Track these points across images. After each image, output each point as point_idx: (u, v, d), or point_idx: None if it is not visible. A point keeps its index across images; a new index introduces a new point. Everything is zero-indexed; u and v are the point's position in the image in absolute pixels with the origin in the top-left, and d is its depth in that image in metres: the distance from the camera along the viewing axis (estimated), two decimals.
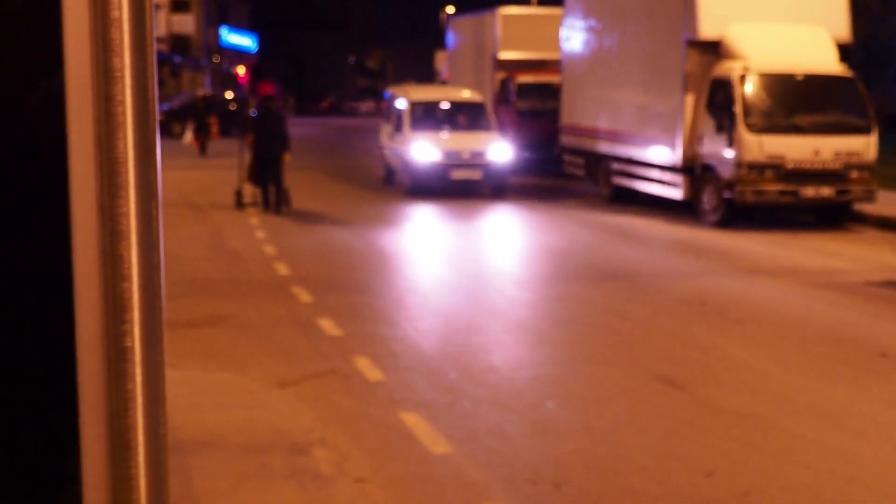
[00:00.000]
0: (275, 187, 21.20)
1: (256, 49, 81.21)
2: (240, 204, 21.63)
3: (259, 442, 7.71)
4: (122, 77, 1.53)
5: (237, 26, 77.26)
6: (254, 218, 20.35)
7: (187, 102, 47.30)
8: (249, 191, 21.92)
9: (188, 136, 32.04)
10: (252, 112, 22.65)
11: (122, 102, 1.54)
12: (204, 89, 49.16)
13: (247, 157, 21.72)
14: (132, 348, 1.59)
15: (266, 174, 21.15)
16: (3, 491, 1.71)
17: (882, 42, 49.87)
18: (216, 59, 68.86)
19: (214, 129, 45.03)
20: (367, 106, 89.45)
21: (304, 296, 12.93)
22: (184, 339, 10.50)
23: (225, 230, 18.66)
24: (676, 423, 8.33)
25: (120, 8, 1.52)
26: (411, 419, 8.34)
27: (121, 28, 1.53)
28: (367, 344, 10.68)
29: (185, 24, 64.61)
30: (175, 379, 8.26)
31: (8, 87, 1.64)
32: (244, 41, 78.49)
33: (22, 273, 1.65)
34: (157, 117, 1.61)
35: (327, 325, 11.38)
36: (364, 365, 9.88)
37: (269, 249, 16.44)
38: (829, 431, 8.16)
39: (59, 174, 1.56)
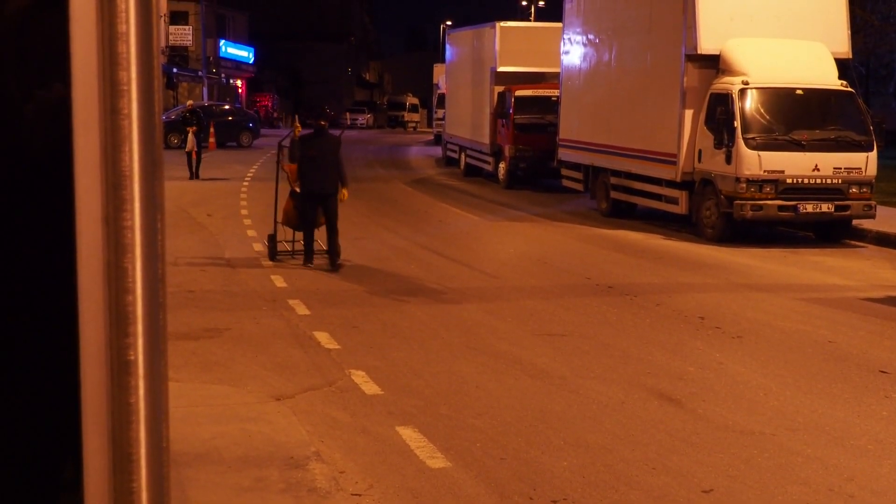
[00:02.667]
0: (328, 234, 16.07)
1: (254, 61, 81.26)
2: (274, 254, 16.73)
3: (255, 455, 7.69)
4: (129, 90, 1.53)
5: (235, 39, 77.34)
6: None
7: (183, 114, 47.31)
8: (280, 230, 17.11)
9: (190, 141, 31.51)
10: (301, 134, 16.94)
11: (128, 115, 1.53)
12: (191, 100, 47.75)
13: (292, 189, 16.57)
14: (135, 361, 1.58)
15: (314, 217, 16.11)
16: (7, 501, 1.70)
17: (881, 57, 50.03)
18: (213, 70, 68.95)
19: (211, 140, 45.20)
20: (364, 118, 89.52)
21: (301, 308, 12.92)
22: (180, 351, 10.48)
23: (221, 241, 18.64)
24: (674, 439, 8.32)
25: (127, 21, 1.52)
26: (408, 433, 8.32)
27: (127, 41, 1.52)
28: (363, 357, 10.66)
29: (184, 36, 64.71)
30: (171, 391, 8.20)
31: (14, 98, 1.63)
32: (242, 53, 78.56)
33: (26, 284, 1.64)
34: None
35: (324, 338, 11.37)
36: (361, 378, 9.86)
37: (266, 261, 16.43)
38: (827, 448, 8.15)
39: (64, 186, 1.55)
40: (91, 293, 1.56)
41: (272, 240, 16.90)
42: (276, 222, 17.00)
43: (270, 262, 16.50)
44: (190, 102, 40.28)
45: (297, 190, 16.23)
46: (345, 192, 16.18)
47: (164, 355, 1.63)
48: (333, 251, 15.98)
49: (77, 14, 1.52)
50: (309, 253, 16.33)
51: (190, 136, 31.94)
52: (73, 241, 1.55)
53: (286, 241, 16.99)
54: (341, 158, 16.21)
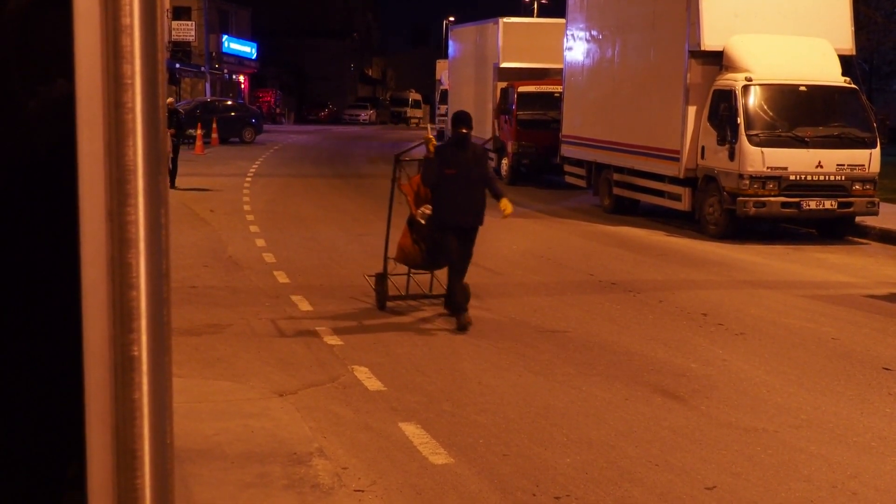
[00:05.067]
0: (451, 274, 12.08)
1: (257, 57, 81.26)
2: (384, 299, 12.81)
3: (258, 451, 7.68)
4: (133, 84, 1.52)
5: (238, 34, 77.32)
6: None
7: (186, 109, 47.35)
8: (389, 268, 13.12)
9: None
10: (437, 147, 12.31)
11: (132, 110, 1.52)
12: (171, 97, 44.19)
13: (412, 218, 12.69)
14: (139, 357, 1.57)
15: (449, 254, 11.99)
16: (9, 498, 1.69)
17: (885, 54, 49.97)
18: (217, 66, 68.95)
19: (214, 136, 45.21)
20: (367, 114, 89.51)
21: (304, 304, 12.91)
22: (182, 346, 10.47)
23: (224, 237, 18.63)
24: (677, 435, 8.31)
25: (131, 14, 1.50)
26: (411, 429, 8.32)
27: (131, 35, 1.51)
28: (366, 353, 10.65)
29: (186, 31, 64.71)
30: (173, 387, 8.22)
31: (17, 94, 1.62)
32: (245, 49, 78.55)
33: (30, 280, 1.64)
34: (167, 125, 1.59)
35: (326, 334, 11.36)
36: (364, 374, 9.86)
37: (269, 257, 16.42)
38: (831, 445, 8.14)
39: (67, 181, 1.54)
40: (95, 288, 1.55)
41: (381, 282, 12.85)
42: (385, 259, 12.98)
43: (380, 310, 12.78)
44: (170, 100, 37.54)
45: (422, 219, 12.36)
46: (507, 205, 12.40)
47: (169, 351, 1.62)
48: (461, 297, 11.97)
49: (81, 7, 1.51)
50: (450, 300, 12.22)
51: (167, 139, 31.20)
52: (77, 237, 1.54)
53: (396, 274, 12.98)
54: (491, 174, 12.44)
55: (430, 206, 12.25)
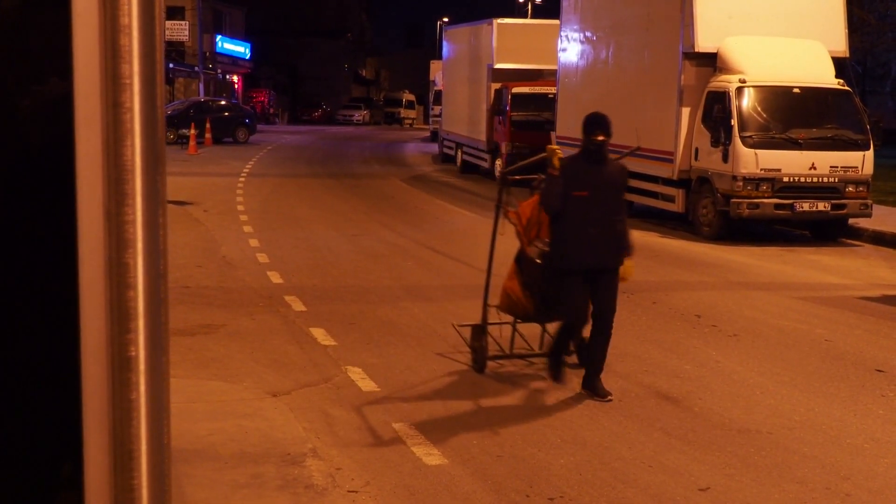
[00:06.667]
0: (595, 335, 9.37)
1: (250, 57, 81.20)
2: (483, 360, 10.07)
3: (251, 452, 7.68)
4: (131, 84, 1.52)
5: (232, 34, 77.26)
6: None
7: (180, 109, 47.31)
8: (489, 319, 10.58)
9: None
10: (562, 161, 9.49)
11: (130, 109, 1.52)
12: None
13: (522, 254, 10.12)
14: (136, 357, 1.57)
15: (583, 304, 9.30)
16: (6, 497, 1.69)
17: (878, 56, 50.03)
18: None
19: (208, 136, 45.18)
20: (360, 115, 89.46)
21: (297, 304, 12.90)
22: (176, 346, 10.45)
23: (217, 237, 18.61)
24: (670, 437, 8.31)
25: (129, 14, 1.50)
26: (404, 430, 8.31)
27: (130, 34, 1.51)
28: (360, 354, 10.65)
29: (180, 31, 64.62)
30: None
31: (15, 92, 1.62)
32: (239, 49, 78.48)
33: (27, 280, 1.63)
34: (165, 125, 1.59)
35: (320, 335, 11.35)
36: (357, 375, 9.85)
37: (262, 257, 16.40)
38: (824, 447, 8.14)
39: (64, 181, 1.54)
40: (92, 289, 1.55)
41: (479, 336, 10.13)
42: (485, 306, 10.26)
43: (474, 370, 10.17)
44: None
45: (537, 257, 9.76)
46: (629, 267, 9.35)
47: (166, 352, 1.62)
48: (598, 361, 9.36)
49: (79, 7, 1.50)
50: (557, 362, 9.63)
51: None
52: (75, 236, 1.53)
53: (495, 323, 10.47)
54: (624, 209, 9.54)
55: (546, 240, 9.65)
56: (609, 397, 9.14)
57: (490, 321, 10.23)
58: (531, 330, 10.53)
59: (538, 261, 9.68)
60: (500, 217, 10.25)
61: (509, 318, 10.37)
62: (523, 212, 10.01)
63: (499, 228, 10.29)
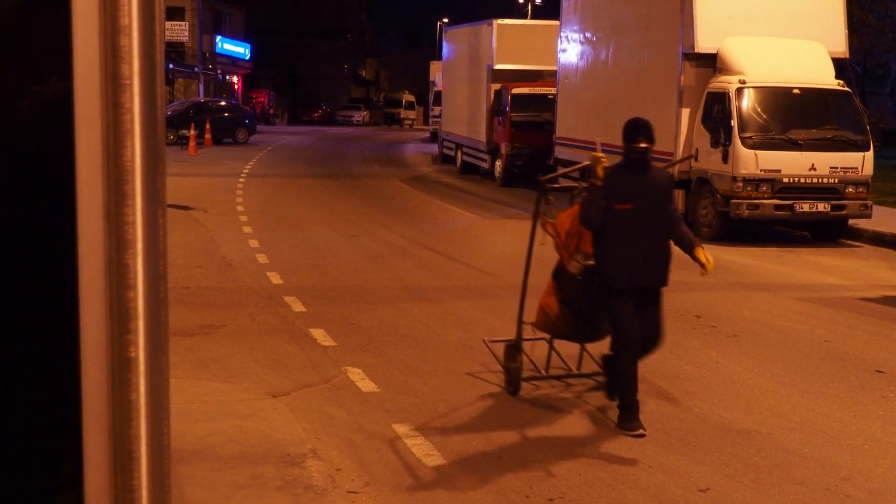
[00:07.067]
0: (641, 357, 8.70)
1: (250, 57, 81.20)
2: (518, 383, 9.41)
3: (251, 452, 7.67)
4: (131, 84, 1.52)
5: (231, 35, 77.26)
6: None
7: (180, 109, 47.33)
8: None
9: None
10: (606, 170, 8.75)
11: (130, 110, 1.52)
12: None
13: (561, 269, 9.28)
14: (136, 358, 1.57)
15: (622, 329, 8.51)
16: (6, 497, 1.69)
17: (878, 57, 50.03)
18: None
19: (207, 136, 45.18)
20: (360, 115, 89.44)
21: (297, 305, 12.89)
22: (175, 347, 10.45)
23: (217, 237, 18.61)
24: (670, 437, 8.31)
25: (129, 15, 1.50)
26: (404, 431, 8.31)
27: (130, 35, 1.51)
28: (360, 354, 10.64)
29: (180, 31, 64.62)
30: None
31: (16, 93, 1.62)
32: (238, 49, 78.49)
33: (27, 280, 1.63)
34: (165, 125, 1.59)
35: (320, 335, 11.35)
36: (357, 376, 9.85)
37: (262, 258, 16.39)
38: (824, 448, 8.14)
39: (64, 181, 1.54)
40: (92, 289, 1.54)
41: (513, 356, 9.49)
42: (520, 323, 9.63)
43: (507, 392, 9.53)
44: None
45: (577, 272, 8.94)
46: (706, 257, 9.10)
47: (166, 352, 1.61)
48: (627, 389, 8.51)
49: (79, 7, 1.50)
50: (618, 386, 8.67)
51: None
52: (75, 237, 1.53)
53: (530, 339, 9.84)
54: (677, 213, 8.99)
55: (588, 254, 8.87)
56: (640, 431, 8.32)
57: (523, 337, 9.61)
58: (567, 348, 9.89)
59: (578, 276, 8.90)
60: (536, 228, 9.46)
61: (545, 335, 9.66)
62: (562, 223, 9.10)
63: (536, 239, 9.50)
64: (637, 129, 8.54)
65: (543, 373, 9.70)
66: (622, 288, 8.40)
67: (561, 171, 10.30)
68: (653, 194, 8.51)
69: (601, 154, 8.90)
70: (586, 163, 9.10)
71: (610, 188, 8.46)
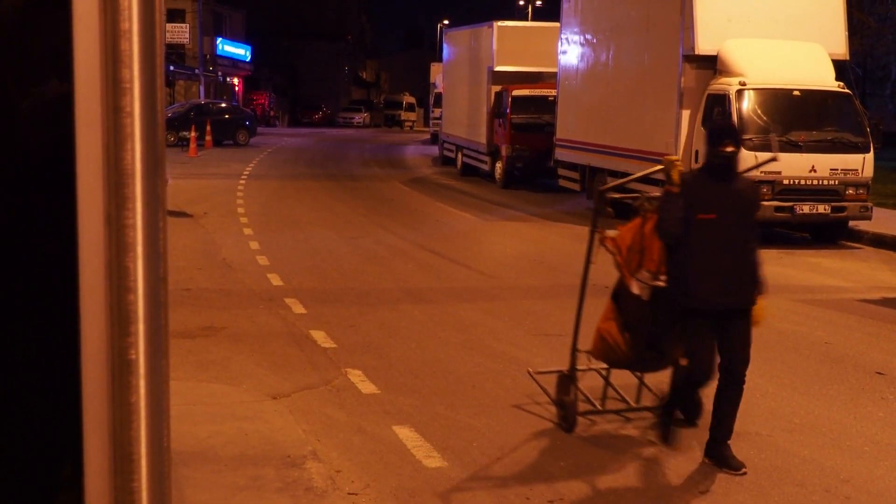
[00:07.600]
0: (728, 386, 7.69)
1: (251, 59, 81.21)
2: (570, 418, 8.50)
3: (251, 454, 7.67)
4: (131, 88, 1.52)
5: (232, 36, 77.27)
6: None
7: (180, 111, 47.36)
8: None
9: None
10: (683, 176, 7.75)
11: (131, 114, 1.53)
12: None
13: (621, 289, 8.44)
14: (136, 361, 1.58)
15: (698, 357, 7.64)
16: (6, 498, 1.69)
17: (878, 59, 50.01)
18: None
19: (208, 138, 45.19)
20: (360, 117, 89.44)
21: (298, 307, 12.90)
22: (176, 349, 10.45)
23: (217, 239, 18.61)
24: None
25: (130, 19, 1.51)
26: (404, 432, 8.31)
27: (130, 39, 1.51)
28: (360, 356, 10.65)
29: (180, 33, 64.65)
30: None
31: (16, 96, 1.62)
32: (239, 51, 78.50)
33: (28, 283, 1.64)
34: (165, 129, 1.59)
35: (320, 337, 11.35)
36: (357, 377, 9.85)
37: (263, 260, 16.40)
38: (824, 450, 8.15)
39: (64, 184, 1.54)
40: (92, 292, 1.55)
41: (567, 388, 8.61)
42: (574, 352, 8.74)
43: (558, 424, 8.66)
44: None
45: (642, 292, 8.07)
46: (763, 308, 7.75)
47: (166, 355, 1.62)
48: (726, 424, 7.75)
49: (80, 11, 1.51)
50: (668, 421, 8.15)
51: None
52: (75, 240, 1.54)
53: (583, 369, 8.88)
54: (756, 230, 7.92)
55: (654, 272, 8.03)
56: (743, 470, 7.57)
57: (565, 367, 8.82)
58: (622, 379, 9.11)
59: (643, 296, 8.02)
60: (593, 243, 8.58)
61: (600, 364, 8.78)
62: (622, 238, 8.20)
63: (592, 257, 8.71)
64: (724, 132, 7.70)
65: (600, 406, 8.81)
66: (706, 308, 7.56)
67: (621, 179, 9.51)
68: (739, 204, 7.64)
69: (675, 157, 8.10)
70: (658, 168, 8.14)
71: (690, 196, 7.58)
